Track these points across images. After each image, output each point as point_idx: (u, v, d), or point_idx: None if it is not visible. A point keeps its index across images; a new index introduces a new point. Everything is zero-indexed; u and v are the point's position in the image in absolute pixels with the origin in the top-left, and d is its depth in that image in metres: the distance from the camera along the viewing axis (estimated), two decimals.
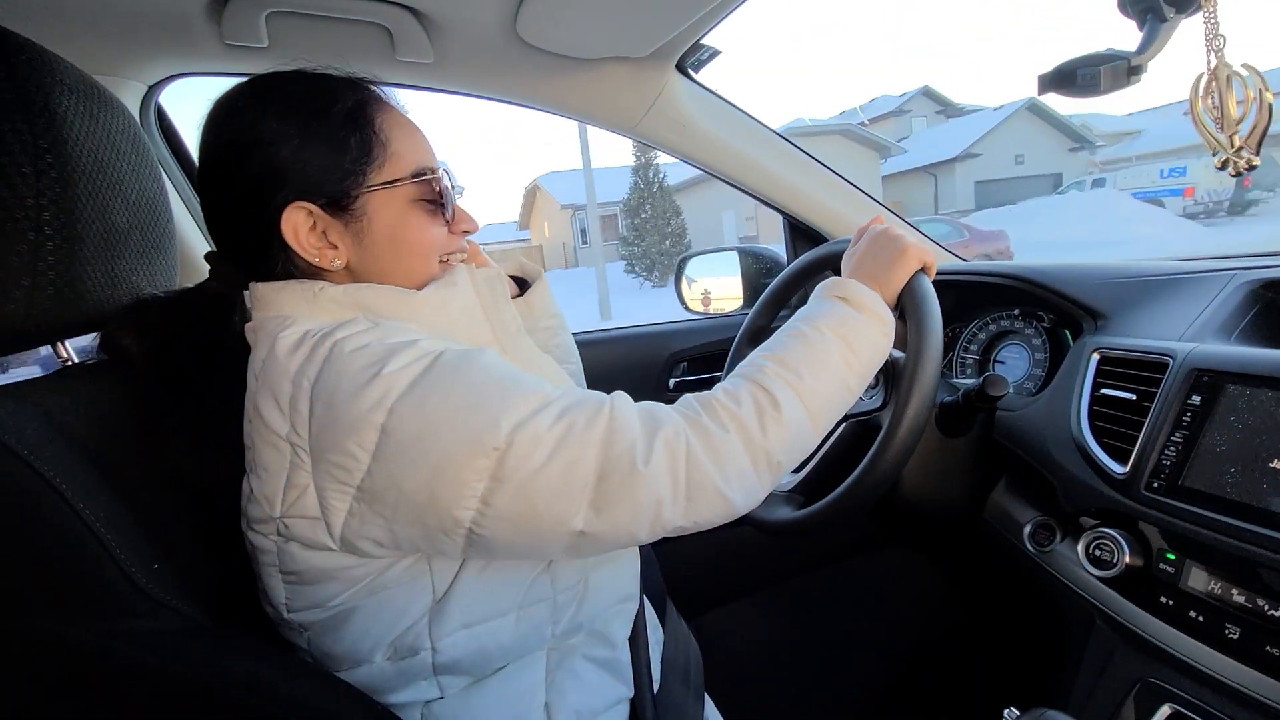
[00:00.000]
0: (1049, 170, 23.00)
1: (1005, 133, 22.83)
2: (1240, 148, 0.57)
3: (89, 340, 0.62)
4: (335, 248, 0.57)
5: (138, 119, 0.99)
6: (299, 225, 0.55)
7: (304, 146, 0.55)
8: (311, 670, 0.53)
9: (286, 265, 0.57)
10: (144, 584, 0.47)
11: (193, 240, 1.11)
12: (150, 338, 0.59)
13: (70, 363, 0.63)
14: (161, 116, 1.08)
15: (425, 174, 0.60)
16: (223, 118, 0.56)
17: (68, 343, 0.63)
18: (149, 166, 0.62)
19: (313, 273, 0.58)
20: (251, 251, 0.58)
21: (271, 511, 0.51)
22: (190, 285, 0.65)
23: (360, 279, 0.59)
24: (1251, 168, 0.59)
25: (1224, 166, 0.58)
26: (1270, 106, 0.57)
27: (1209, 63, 0.55)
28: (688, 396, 0.58)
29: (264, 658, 0.50)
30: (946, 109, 28.31)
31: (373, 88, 0.60)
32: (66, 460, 0.47)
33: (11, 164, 0.46)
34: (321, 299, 0.56)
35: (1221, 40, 0.54)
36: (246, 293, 0.59)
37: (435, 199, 0.60)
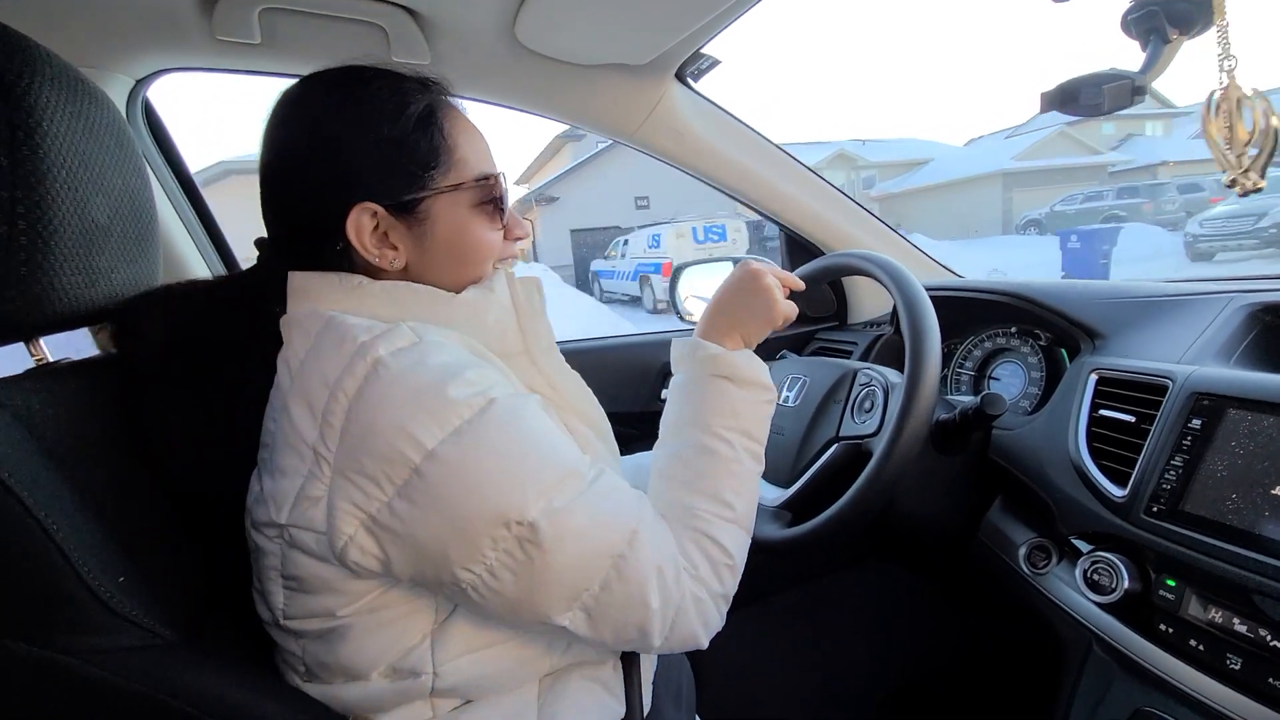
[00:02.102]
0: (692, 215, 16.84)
1: (616, 169, 17.98)
2: (1247, 169, 0.57)
3: (64, 339, 0.60)
4: (395, 249, 0.57)
5: (124, 113, 0.97)
6: (363, 227, 0.55)
7: (375, 149, 0.55)
8: (283, 690, 0.51)
9: (343, 261, 0.57)
10: (108, 598, 0.45)
11: (177, 238, 1.09)
12: (180, 331, 0.58)
13: (45, 361, 0.60)
14: (149, 112, 1.06)
15: (488, 179, 0.60)
16: (292, 113, 0.56)
17: (43, 341, 0.61)
18: (133, 162, 0.60)
19: (369, 270, 0.57)
20: (309, 246, 0.57)
21: (278, 517, 0.50)
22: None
23: (415, 280, 0.58)
24: (1257, 190, 0.59)
25: (1232, 185, 0.57)
26: (1276, 133, 0.57)
27: (1220, 82, 0.55)
28: (673, 543, 0.57)
29: (233, 676, 0.48)
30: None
31: (444, 90, 0.60)
32: (30, 465, 0.45)
33: None
34: (359, 294, 0.55)
35: (1233, 61, 0.53)
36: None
37: (495, 203, 0.60)
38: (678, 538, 0.58)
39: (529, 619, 0.51)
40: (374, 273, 0.57)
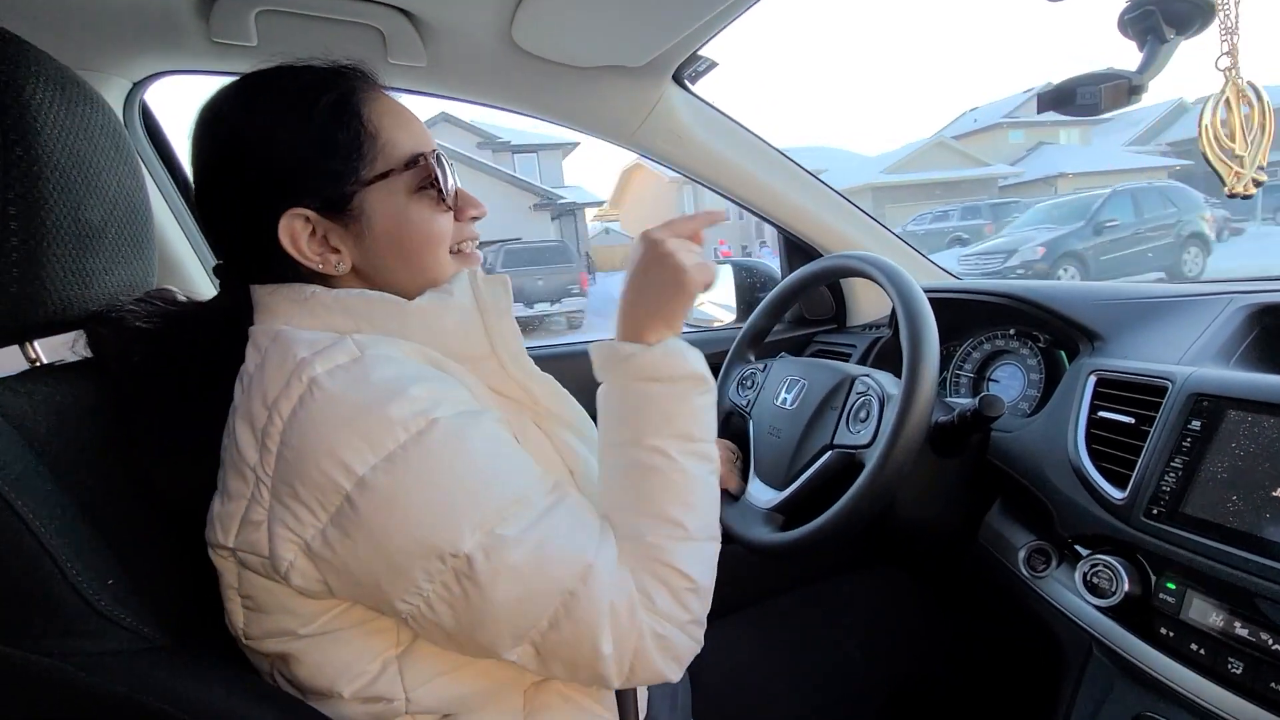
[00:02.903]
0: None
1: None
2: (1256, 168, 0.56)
3: (61, 340, 0.60)
4: (337, 251, 0.55)
5: (121, 116, 0.97)
6: (297, 233, 0.53)
7: (292, 150, 0.52)
8: (272, 694, 0.51)
9: (290, 272, 0.55)
10: (96, 601, 0.44)
11: (174, 240, 1.09)
12: (150, 343, 0.56)
13: (40, 364, 0.60)
14: (146, 114, 1.06)
15: (419, 160, 0.56)
16: (209, 125, 0.54)
17: (38, 344, 0.60)
18: (129, 164, 0.60)
19: (318, 278, 0.55)
20: (254, 260, 0.55)
21: (225, 540, 0.48)
22: (161, 286, 0.63)
23: (368, 280, 0.56)
24: (1259, 185, 0.59)
25: (1235, 195, 0.57)
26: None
27: (1227, 78, 0.54)
28: (630, 581, 0.52)
29: (220, 681, 0.47)
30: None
31: (359, 74, 0.57)
32: (20, 465, 0.45)
33: None
34: (311, 304, 0.53)
35: (1231, 58, 0.53)
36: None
37: (433, 185, 0.57)
38: (631, 570, 0.52)
39: (475, 652, 0.49)
40: (328, 279, 0.55)
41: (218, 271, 0.62)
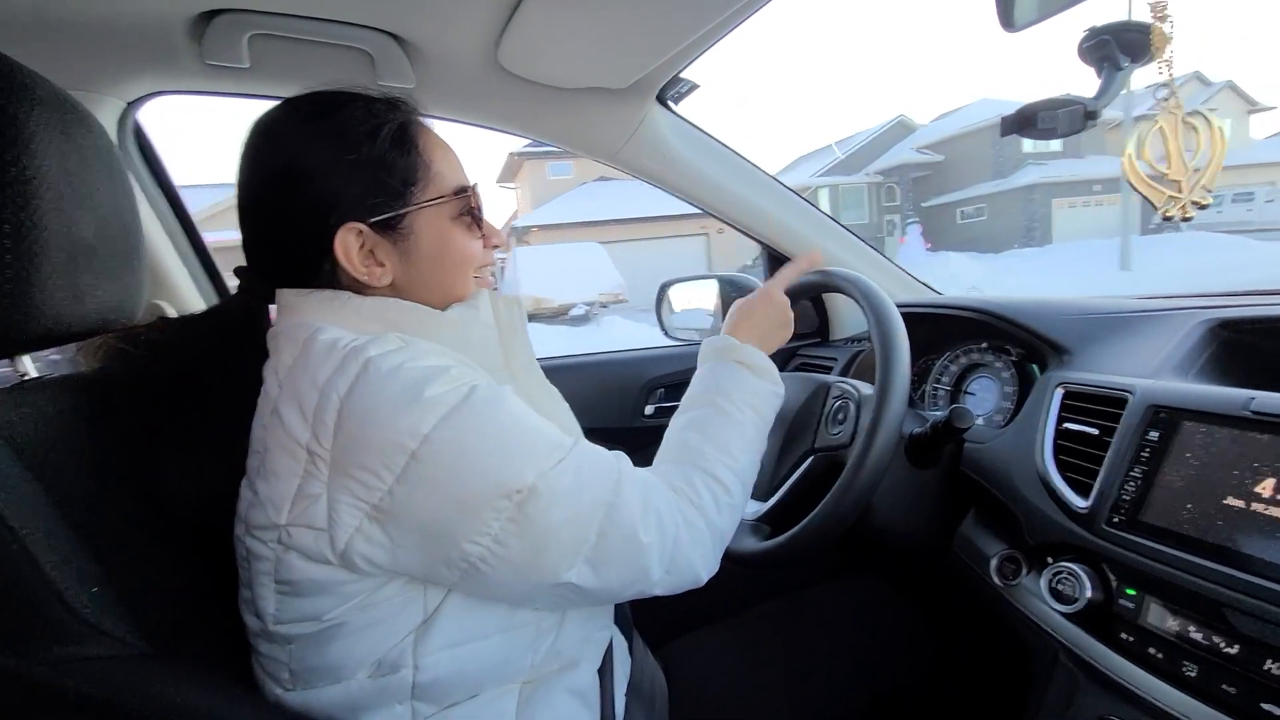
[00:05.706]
0: None
1: None
2: (1195, 187, 0.59)
3: (49, 355, 0.61)
4: (383, 265, 0.59)
5: (115, 136, 0.99)
6: (350, 246, 0.57)
7: (356, 170, 0.57)
8: (258, 701, 0.52)
9: (331, 281, 0.59)
10: (81, 609, 0.45)
11: (164, 257, 1.10)
12: (182, 355, 0.61)
13: (28, 377, 0.61)
14: (139, 134, 1.08)
15: (465, 191, 0.63)
16: (267, 143, 0.59)
17: (27, 359, 0.62)
18: (121, 183, 0.62)
19: (356, 287, 0.59)
20: (298, 270, 0.59)
21: (276, 518, 0.51)
22: (153, 301, 0.65)
23: (402, 293, 0.61)
24: (1203, 207, 0.62)
25: (1170, 217, 0.60)
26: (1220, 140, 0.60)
27: (1164, 112, 0.57)
28: (658, 482, 0.62)
29: (207, 687, 0.48)
30: None
31: (412, 108, 0.62)
32: (7, 475, 0.46)
33: None
34: (348, 309, 0.57)
35: (1170, 91, 0.56)
36: (273, 305, 0.61)
37: (473, 214, 0.64)
38: (686, 473, 0.63)
39: (536, 581, 0.53)
40: (360, 289, 0.59)
41: (239, 273, 0.65)
